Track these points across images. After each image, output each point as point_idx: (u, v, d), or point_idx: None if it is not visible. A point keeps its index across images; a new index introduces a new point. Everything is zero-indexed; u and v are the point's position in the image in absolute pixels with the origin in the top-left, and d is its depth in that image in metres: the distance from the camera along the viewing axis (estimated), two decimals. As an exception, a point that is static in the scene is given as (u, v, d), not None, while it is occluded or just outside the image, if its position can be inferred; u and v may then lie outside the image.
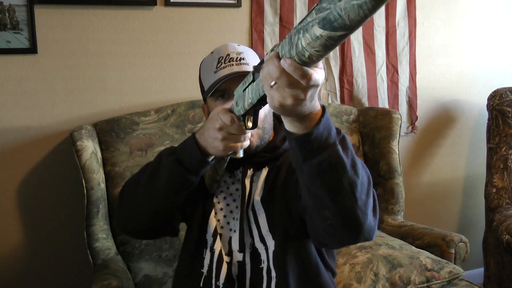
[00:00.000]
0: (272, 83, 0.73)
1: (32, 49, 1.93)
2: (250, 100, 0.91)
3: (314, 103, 0.78)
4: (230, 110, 1.01)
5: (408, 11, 2.53)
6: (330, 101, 2.42)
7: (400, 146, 2.31)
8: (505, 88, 2.50)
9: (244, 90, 0.93)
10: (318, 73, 0.71)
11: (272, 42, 2.30)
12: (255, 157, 1.23)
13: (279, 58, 0.70)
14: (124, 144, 1.93)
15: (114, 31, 2.05)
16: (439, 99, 2.67)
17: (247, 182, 1.23)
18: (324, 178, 0.85)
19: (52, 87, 1.99)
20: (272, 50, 0.74)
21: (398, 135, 2.27)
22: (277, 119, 1.31)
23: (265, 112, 1.19)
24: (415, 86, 2.59)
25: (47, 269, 2.05)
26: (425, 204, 2.71)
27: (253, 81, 0.89)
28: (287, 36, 0.70)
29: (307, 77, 0.69)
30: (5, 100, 1.94)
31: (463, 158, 2.79)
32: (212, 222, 1.24)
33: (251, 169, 1.24)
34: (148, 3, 2.07)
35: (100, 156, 1.89)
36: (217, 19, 2.19)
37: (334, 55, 2.41)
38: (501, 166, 2.43)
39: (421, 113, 2.63)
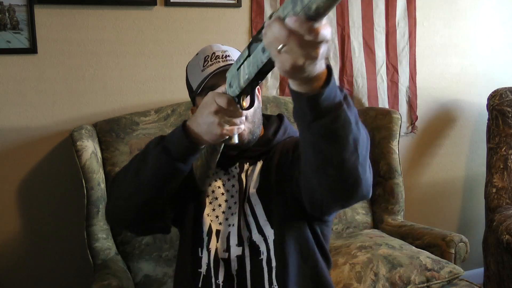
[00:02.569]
0: (280, 46, 0.70)
1: (32, 49, 1.93)
2: (247, 76, 0.89)
3: (323, 61, 0.76)
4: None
5: (408, 11, 2.53)
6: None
7: (400, 146, 2.31)
8: (505, 88, 2.50)
9: (239, 67, 0.92)
10: (325, 28, 0.68)
11: (272, 42, 2.29)
12: (249, 152, 1.25)
13: (282, 20, 0.69)
14: (124, 144, 1.93)
15: (114, 31, 2.05)
16: (439, 99, 2.67)
17: (243, 176, 1.24)
18: (332, 135, 0.86)
19: (52, 87, 1.99)
20: (270, 16, 0.72)
21: (398, 135, 2.27)
22: (264, 116, 1.32)
23: (254, 107, 1.17)
24: (415, 86, 2.59)
25: (47, 269, 2.05)
26: (425, 204, 2.71)
27: (249, 55, 0.87)
28: None
29: (315, 31, 0.67)
30: (5, 100, 1.94)
31: (463, 158, 2.79)
32: (206, 220, 1.24)
33: (247, 163, 1.25)
34: (148, 3, 2.07)
35: (100, 156, 1.89)
36: (217, 19, 2.19)
37: (334, 55, 2.41)
38: (501, 166, 2.43)
39: (421, 113, 2.63)
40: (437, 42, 2.62)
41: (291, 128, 1.33)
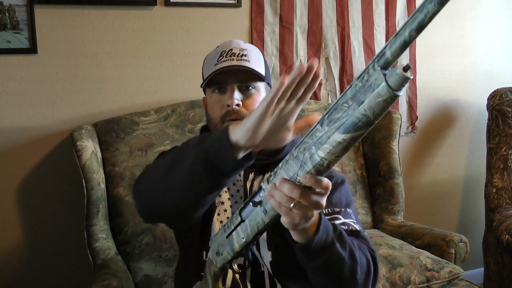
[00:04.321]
0: (292, 204, 0.78)
1: (32, 49, 1.93)
2: (244, 239, 0.89)
3: None
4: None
5: (408, 11, 2.53)
6: (330, 101, 2.42)
7: (400, 146, 2.31)
8: (505, 88, 2.50)
9: (229, 235, 0.92)
10: (325, 179, 0.78)
11: (272, 42, 2.30)
12: (256, 160, 1.20)
13: (288, 181, 0.77)
14: (124, 144, 1.93)
15: (114, 31, 2.04)
16: (439, 99, 2.67)
17: (248, 185, 1.21)
18: (327, 272, 0.95)
19: (52, 87, 1.99)
20: (267, 180, 0.81)
21: (398, 135, 2.27)
22: None
23: None
24: (415, 86, 2.59)
25: (47, 269, 2.04)
26: (425, 204, 2.71)
27: (242, 221, 0.89)
28: (282, 163, 0.79)
29: (327, 185, 0.77)
30: (5, 100, 1.94)
31: (463, 158, 2.79)
32: (216, 225, 1.20)
33: (252, 172, 1.21)
34: (148, 3, 2.07)
35: (100, 156, 1.89)
36: (217, 19, 2.19)
37: (334, 55, 2.41)
38: (501, 166, 2.43)
39: (421, 113, 2.63)
40: (437, 42, 2.62)
41: (297, 137, 1.28)
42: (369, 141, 2.30)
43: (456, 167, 2.77)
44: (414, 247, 1.96)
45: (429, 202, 2.72)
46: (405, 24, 0.63)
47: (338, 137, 0.68)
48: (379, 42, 2.49)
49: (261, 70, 1.20)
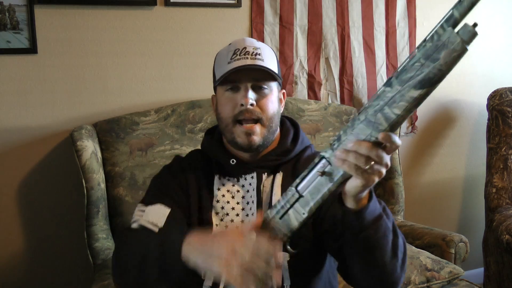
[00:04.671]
0: (368, 166, 0.82)
1: (32, 49, 1.93)
2: (305, 214, 0.90)
3: None
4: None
5: (408, 11, 2.53)
6: (330, 101, 2.42)
7: (400, 146, 2.31)
8: (505, 88, 2.50)
9: (283, 215, 0.92)
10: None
11: (272, 42, 2.30)
12: (267, 161, 1.19)
13: (365, 141, 0.81)
14: (124, 144, 1.93)
15: (114, 31, 2.05)
16: (439, 99, 2.67)
17: (267, 185, 1.18)
18: (375, 243, 0.95)
19: (52, 87, 1.99)
20: (331, 149, 0.85)
21: (398, 135, 2.27)
22: (288, 120, 1.28)
23: (273, 111, 1.17)
24: (415, 86, 2.59)
25: (47, 269, 2.04)
26: (425, 204, 2.71)
27: (301, 196, 0.90)
28: (344, 130, 0.83)
29: (399, 142, 0.83)
30: (5, 100, 1.94)
31: (463, 158, 2.79)
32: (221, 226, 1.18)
33: (265, 173, 1.19)
34: (148, 3, 2.07)
35: (100, 156, 1.89)
36: (217, 19, 2.19)
37: (334, 55, 2.41)
38: (501, 166, 2.43)
39: (421, 113, 2.63)
40: (437, 42, 2.62)
41: (305, 137, 1.28)
42: (369, 141, 2.30)
43: (456, 167, 2.77)
44: (414, 247, 1.96)
45: (429, 202, 2.72)
46: None
47: (415, 93, 0.76)
48: (379, 42, 2.49)
49: (275, 70, 1.18)
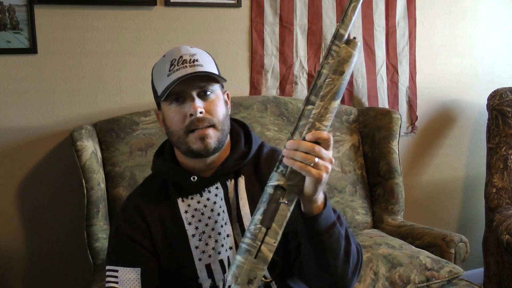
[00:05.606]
0: (313, 161, 0.89)
1: (32, 49, 1.93)
2: (275, 243, 0.92)
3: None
4: None
5: (408, 11, 2.53)
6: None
7: (400, 146, 2.31)
8: (505, 88, 2.50)
9: (257, 254, 0.92)
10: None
11: (272, 42, 2.30)
12: (228, 168, 1.18)
13: (304, 141, 0.89)
14: (124, 144, 1.93)
15: (114, 31, 2.05)
16: (439, 99, 2.67)
17: (231, 191, 1.18)
18: (328, 248, 1.01)
19: (52, 87, 1.99)
20: (277, 167, 0.92)
21: (398, 135, 2.27)
22: (235, 121, 1.27)
23: (223, 114, 1.15)
24: (415, 86, 2.59)
25: (47, 269, 2.05)
26: (425, 204, 2.71)
27: (268, 228, 0.92)
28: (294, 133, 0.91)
29: (328, 135, 0.90)
30: (5, 100, 1.94)
31: (463, 158, 2.79)
32: (201, 266, 1.17)
33: (229, 180, 1.18)
34: (148, 3, 2.07)
35: (100, 156, 1.89)
36: (217, 19, 2.19)
37: (334, 55, 2.40)
38: (501, 166, 2.43)
39: (421, 113, 2.63)
40: (437, 42, 2.62)
41: (256, 135, 1.27)
42: (369, 141, 2.30)
43: (456, 167, 2.77)
44: (414, 247, 1.96)
45: (429, 202, 2.72)
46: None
47: (335, 103, 0.89)
48: (379, 42, 2.49)
49: (215, 72, 1.16)
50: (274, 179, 0.92)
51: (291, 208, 0.92)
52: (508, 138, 2.44)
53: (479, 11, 2.70)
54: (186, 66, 1.12)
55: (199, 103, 1.12)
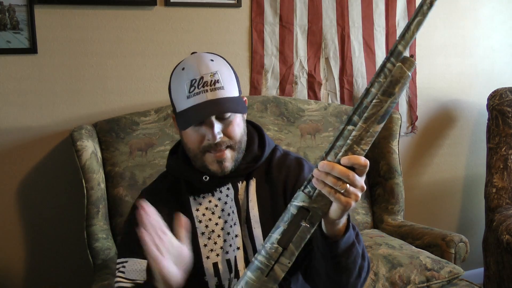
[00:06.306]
0: (344, 189, 0.82)
1: (32, 49, 1.93)
2: (289, 263, 0.88)
3: None
4: None
5: (408, 11, 2.53)
6: (330, 101, 2.42)
7: (400, 146, 2.31)
8: (505, 88, 2.50)
9: (269, 273, 0.89)
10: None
11: (272, 42, 2.30)
12: (239, 170, 1.18)
13: (338, 164, 0.82)
14: (124, 144, 1.93)
15: (114, 31, 2.05)
16: (439, 99, 2.67)
17: (242, 192, 1.18)
18: (343, 268, 0.99)
19: (52, 87, 1.99)
20: (305, 188, 0.86)
21: (398, 135, 2.27)
22: (252, 125, 1.26)
23: (241, 134, 1.15)
24: (415, 86, 2.59)
25: (47, 269, 2.05)
26: (425, 204, 2.71)
27: (284, 249, 0.88)
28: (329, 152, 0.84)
29: (365, 161, 0.83)
30: (5, 100, 1.94)
31: (463, 158, 2.79)
32: (209, 264, 1.17)
33: (240, 182, 1.19)
34: (148, 3, 2.07)
35: (100, 156, 1.89)
36: (217, 19, 2.19)
37: (334, 55, 2.41)
38: (501, 166, 2.43)
39: (421, 113, 2.63)
40: (437, 42, 2.62)
41: (270, 139, 1.27)
42: (369, 141, 2.30)
43: (456, 167, 2.77)
44: (414, 247, 1.96)
45: (429, 202, 2.72)
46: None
47: (378, 127, 0.82)
48: (379, 42, 2.49)
49: (235, 91, 1.14)
50: (299, 200, 0.86)
51: (312, 231, 0.87)
52: (508, 138, 2.44)
53: (479, 11, 2.70)
54: (207, 90, 1.09)
55: (217, 129, 1.10)
